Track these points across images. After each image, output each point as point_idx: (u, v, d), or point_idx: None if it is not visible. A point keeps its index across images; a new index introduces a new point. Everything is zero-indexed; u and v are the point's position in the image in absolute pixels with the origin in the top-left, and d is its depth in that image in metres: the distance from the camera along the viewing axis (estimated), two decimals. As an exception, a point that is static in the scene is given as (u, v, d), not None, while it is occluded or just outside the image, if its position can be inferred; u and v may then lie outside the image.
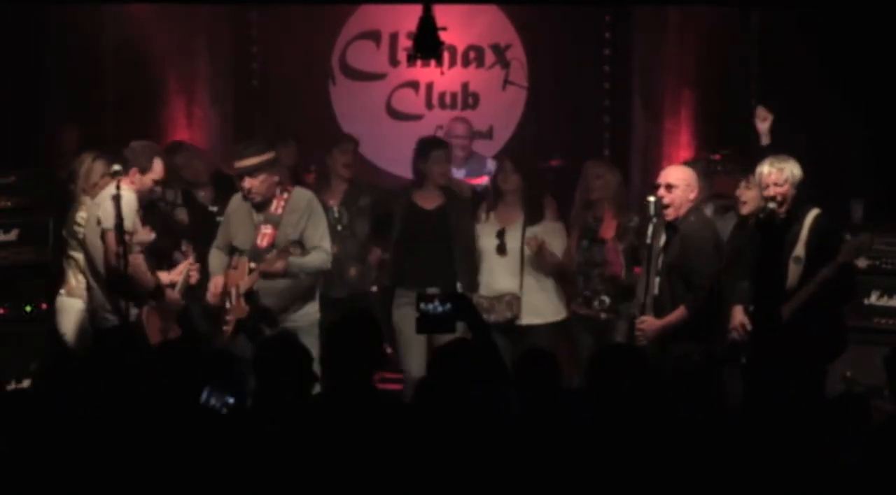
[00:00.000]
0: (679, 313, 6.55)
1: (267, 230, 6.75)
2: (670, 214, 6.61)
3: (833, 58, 8.02)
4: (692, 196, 6.63)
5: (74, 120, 8.39)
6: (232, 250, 6.90)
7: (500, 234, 7.21)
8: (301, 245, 6.66)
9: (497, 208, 7.30)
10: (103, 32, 8.77)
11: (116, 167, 6.45)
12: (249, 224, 6.82)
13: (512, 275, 7.21)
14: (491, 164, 8.33)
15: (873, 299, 7.47)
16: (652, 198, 6.64)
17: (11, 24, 8.06)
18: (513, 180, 7.26)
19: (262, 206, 6.78)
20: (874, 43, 7.91)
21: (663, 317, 6.56)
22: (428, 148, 7.32)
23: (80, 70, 8.77)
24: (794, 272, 6.41)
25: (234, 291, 6.73)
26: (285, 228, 6.72)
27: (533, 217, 7.25)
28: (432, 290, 6.61)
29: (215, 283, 6.83)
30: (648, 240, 6.60)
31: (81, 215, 6.68)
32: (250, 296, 6.70)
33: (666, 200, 6.61)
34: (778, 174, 6.40)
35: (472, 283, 7.19)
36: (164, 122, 8.90)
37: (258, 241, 6.76)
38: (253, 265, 6.68)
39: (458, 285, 7.11)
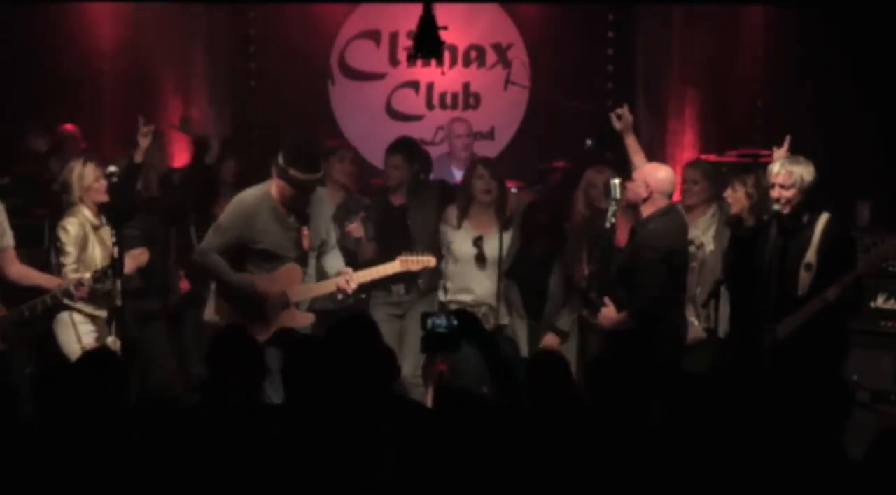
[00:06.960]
0: (625, 316, 6.31)
1: (306, 231, 6.61)
2: (643, 210, 6.33)
3: (840, 58, 7.99)
4: (643, 194, 6.30)
5: (73, 121, 8.36)
6: (237, 253, 6.62)
7: (478, 242, 6.92)
8: None
9: (470, 213, 7.01)
10: (100, 32, 8.74)
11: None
12: (281, 227, 6.55)
13: (490, 280, 6.94)
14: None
15: (880, 302, 7.35)
16: (616, 181, 6.43)
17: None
18: (493, 188, 6.96)
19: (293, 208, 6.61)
20: (882, 42, 7.88)
21: (620, 312, 6.33)
22: (391, 149, 7.33)
23: (78, 70, 8.75)
24: (804, 279, 6.08)
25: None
26: (315, 227, 6.66)
27: (507, 222, 6.97)
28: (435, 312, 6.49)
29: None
30: (608, 224, 6.40)
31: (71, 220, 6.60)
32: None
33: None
34: (787, 176, 6.05)
35: (432, 282, 7.03)
36: (161, 121, 8.82)
37: (304, 244, 6.61)
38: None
39: (419, 282, 7.02)
